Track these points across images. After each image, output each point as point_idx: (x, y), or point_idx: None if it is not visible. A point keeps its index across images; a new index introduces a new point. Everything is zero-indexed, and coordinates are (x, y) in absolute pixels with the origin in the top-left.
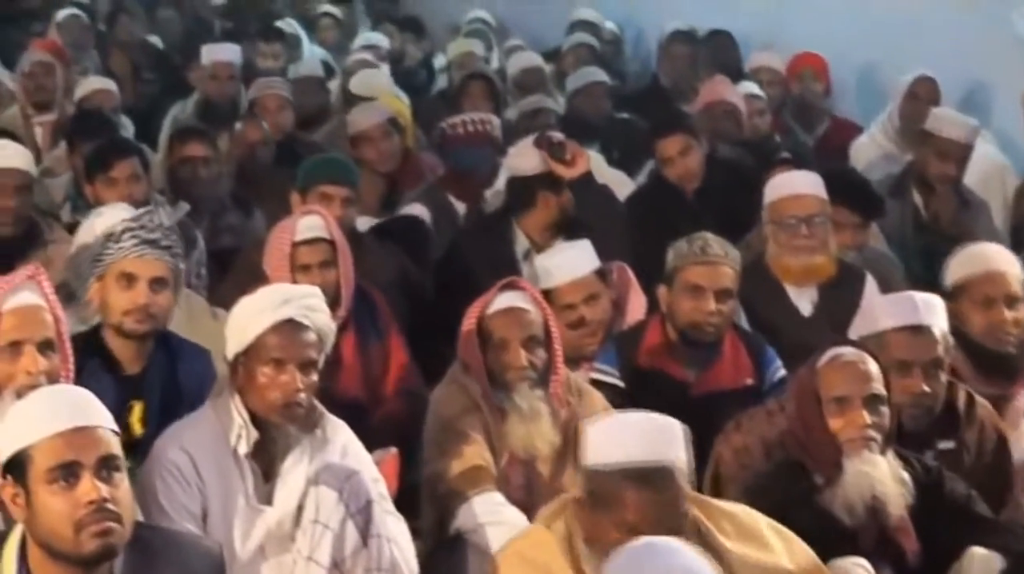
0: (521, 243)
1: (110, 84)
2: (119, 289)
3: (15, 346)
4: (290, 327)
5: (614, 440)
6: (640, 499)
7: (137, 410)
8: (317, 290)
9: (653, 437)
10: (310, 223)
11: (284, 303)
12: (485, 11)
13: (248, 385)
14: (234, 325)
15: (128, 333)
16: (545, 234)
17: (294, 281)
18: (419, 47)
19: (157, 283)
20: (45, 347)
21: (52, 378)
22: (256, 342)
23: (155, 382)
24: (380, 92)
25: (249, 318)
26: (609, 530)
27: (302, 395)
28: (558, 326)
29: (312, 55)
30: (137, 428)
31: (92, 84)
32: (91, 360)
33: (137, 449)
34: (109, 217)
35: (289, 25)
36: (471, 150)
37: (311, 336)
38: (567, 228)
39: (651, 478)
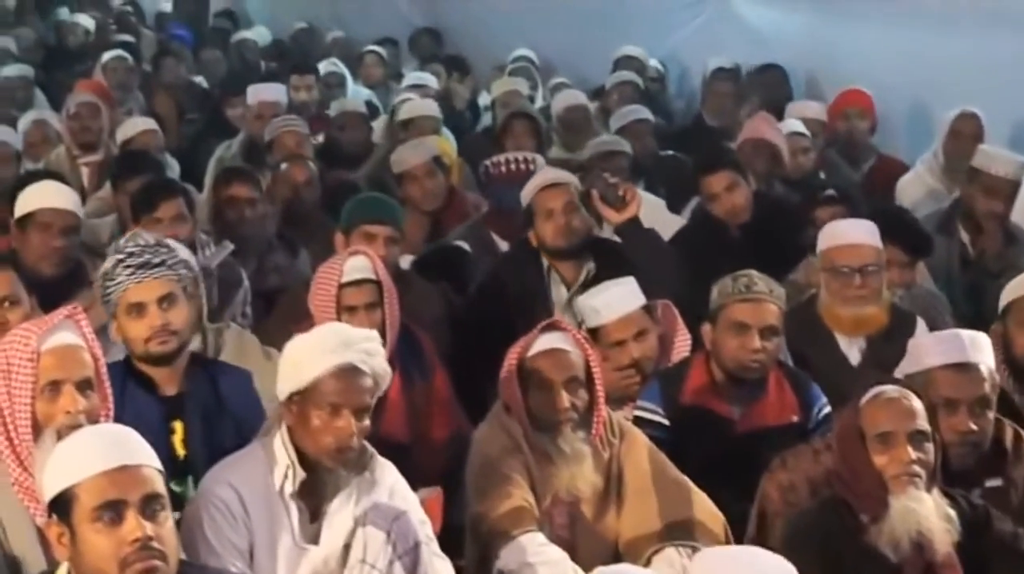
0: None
1: (153, 125)
2: (132, 320)
3: (54, 386)
4: (349, 372)
5: None
6: None
7: (179, 431)
8: (375, 333)
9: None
10: (357, 264)
11: (344, 347)
12: (529, 50)
13: (301, 426)
14: (289, 363)
15: (157, 357)
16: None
17: (339, 322)
18: (464, 86)
19: (165, 301)
20: (84, 386)
21: (91, 417)
22: (313, 384)
23: (195, 402)
24: (431, 114)
25: (307, 359)
26: None
27: (355, 440)
28: (601, 366)
29: (356, 94)
30: (180, 449)
31: (136, 126)
32: (129, 384)
33: (181, 471)
34: None
35: (333, 64)
36: (513, 188)
37: (368, 382)
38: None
39: None
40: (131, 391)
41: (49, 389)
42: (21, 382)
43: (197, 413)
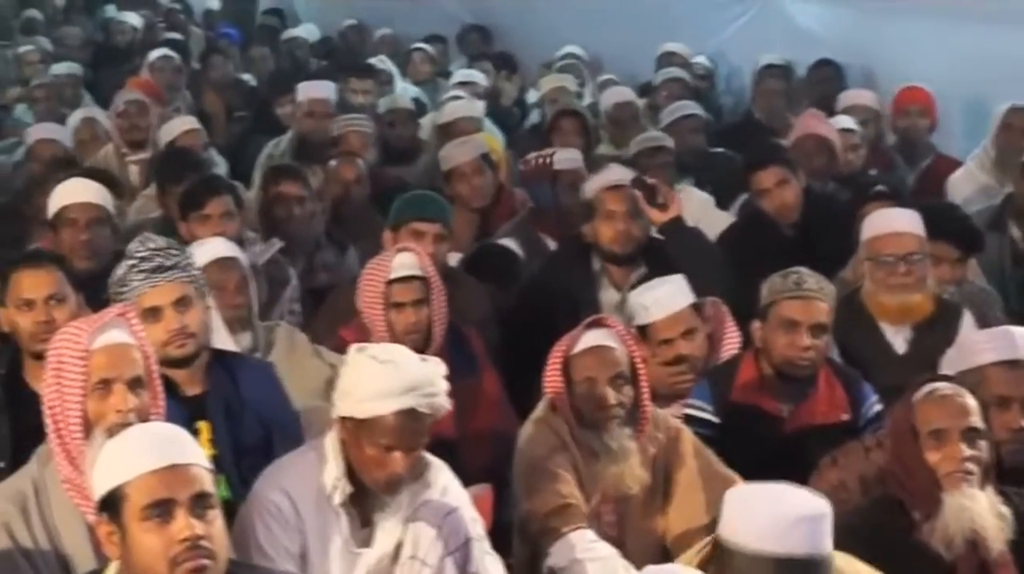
0: (595, 267)
1: (195, 124)
2: (149, 324)
3: (105, 384)
4: (410, 417)
5: (772, 531)
6: None
7: (204, 431)
8: (441, 370)
9: (811, 528)
10: (405, 261)
11: (409, 391)
12: (578, 46)
13: (355, 450)
14: (350, 390)
15: (176, 360)
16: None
17: (387, 318)
18: (512, 83)
19: (180, 303)
20: (135, 385)
21: (142, 416)
22: (372, 421)
23: (218, 401)
24: (471, 114)
25: (370, 395)
26: None
27: (405, 475)
28: (651, 364)
29: (404, 91)
30: (207, 449)
31: (177, 126)
32: None
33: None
34: (204, 252)
35: (381, 62)
36: (539, 185)
37: (427, 423)
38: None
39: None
40: None
41: (100, 387)
42: (72, 380)
43: (220, 411)
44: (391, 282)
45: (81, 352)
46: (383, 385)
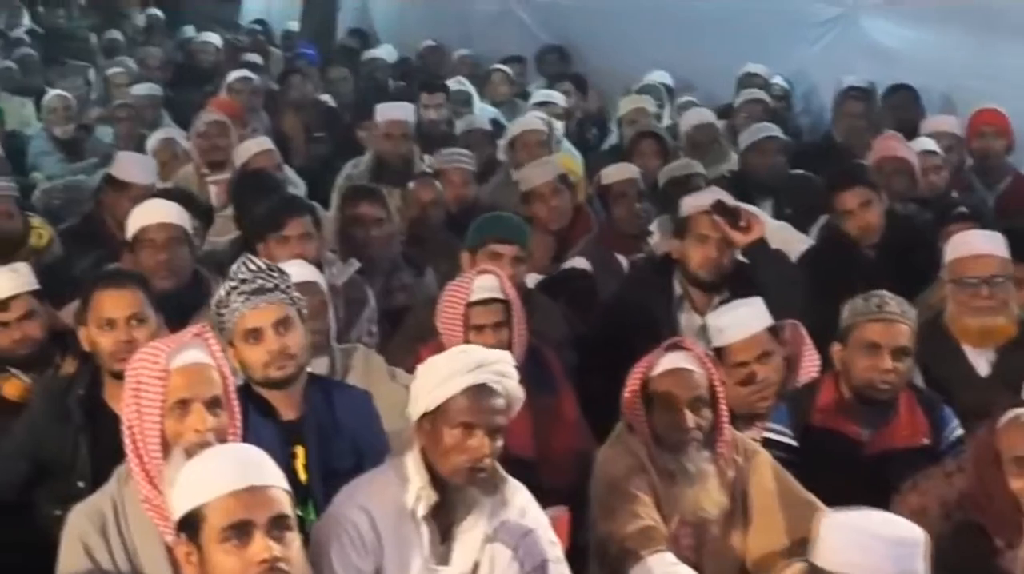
0: (677, 290)
1: (269, 145)
2: (249, 347)
3: (183, 404)
4: (482, 392)
5: (864, 558)
6: None
7: (301, 456)
8: (508, 355)
9: (900, 552)
10: (485, 283)
11: (477, 367)
12: (663, 70)
13: (433, 446)
14: (423, 385)
15: (276, 382)
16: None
17: (467, 341)
18: (585, 105)
19: (281, 325)
20: (213, 405)
21: (220, 436)
22: (446, 404)
23: (314, 425)
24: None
25: (440, 380)
26: None
27: (488, 461)
28: (728, 385)
29: (482, 112)
30: (302, 474)
31: (250, 148)
32: (250, 410)
33: (303, 495)
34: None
35: (460, 83)
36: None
37: (501, 402)
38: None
39: None
40: (252, 417)
41: (178, 407)
42: (150, 400)
43: (315, 436)
44: (471, 304)
45: (160, 372)
46: (451, 367)
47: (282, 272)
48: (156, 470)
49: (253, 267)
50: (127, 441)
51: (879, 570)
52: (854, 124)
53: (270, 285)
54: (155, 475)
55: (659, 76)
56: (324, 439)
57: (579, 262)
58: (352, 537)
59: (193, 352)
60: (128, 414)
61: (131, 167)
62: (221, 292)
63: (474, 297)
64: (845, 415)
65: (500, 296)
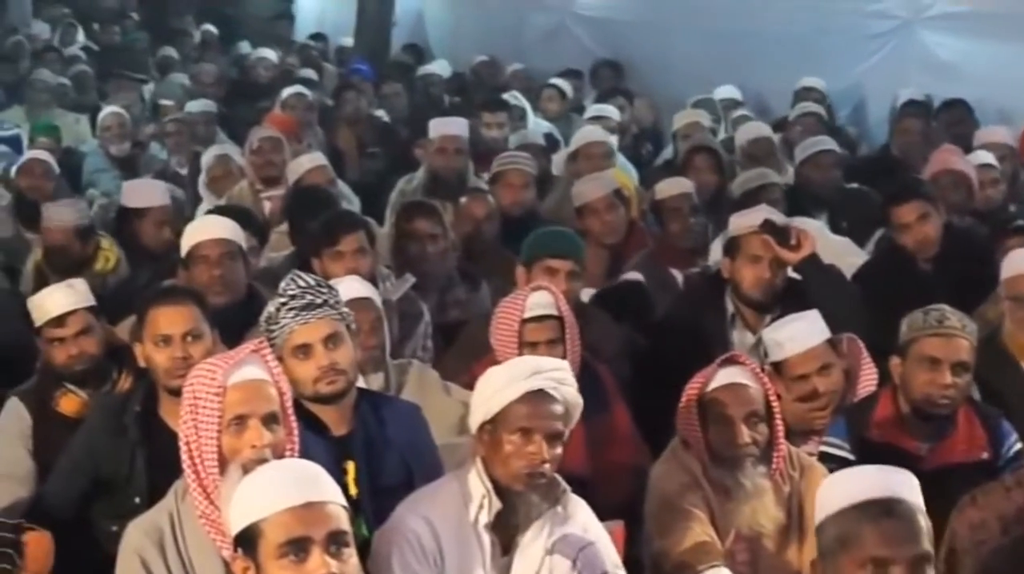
0: (729, 309)
1: (322, 160)
2: (299, 362)
3: (240, 420)
4: (540, 398)
5: (844, 486)
6: (882, 530)
7: (351, 471)
8: (566, 363)
9: (884, 475)
10: (540, 300)
11: (535, 374)
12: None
13: (493, 454)
14: (481, 394)
15: (326, 398)
16: (755, 290)
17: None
18: (639, 119)
19: (331, 340)
20: (270, 421)
21: (277, 452)
22: (504, 411)
23: (364, 441)
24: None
25: (498, 387)
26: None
27: (547, 466)
28: (787, 400)
29: (536, 127)
30: (353, 489)
31: (304, 164)
32: (300, 426)
33: (354, 510)
34: (341, 289)
35: (514, 97)
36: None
37: (559, 408)
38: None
39: (891, 509)
40: (302, 433)
41: (235, 423)
42: (207, 416)
43: (364, 451)
44: (525, 321)
45: (217, 388)
46: (509, 374)
47: (331, 287)
48: (213, 486)
49: (302, 283)
50: (184, 457)
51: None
52: (911, 139)
53: (319, 301)
54: (212, 491)
55: (727, 91)
56: (374, 454)
57: (633, 276)
58: (413, 547)
59: (250, 368)
60: (185, 430)
61: (141, 193)
62: (271, 308)
63: (528, 314)
64: (903, 429)
65: (554, 313)
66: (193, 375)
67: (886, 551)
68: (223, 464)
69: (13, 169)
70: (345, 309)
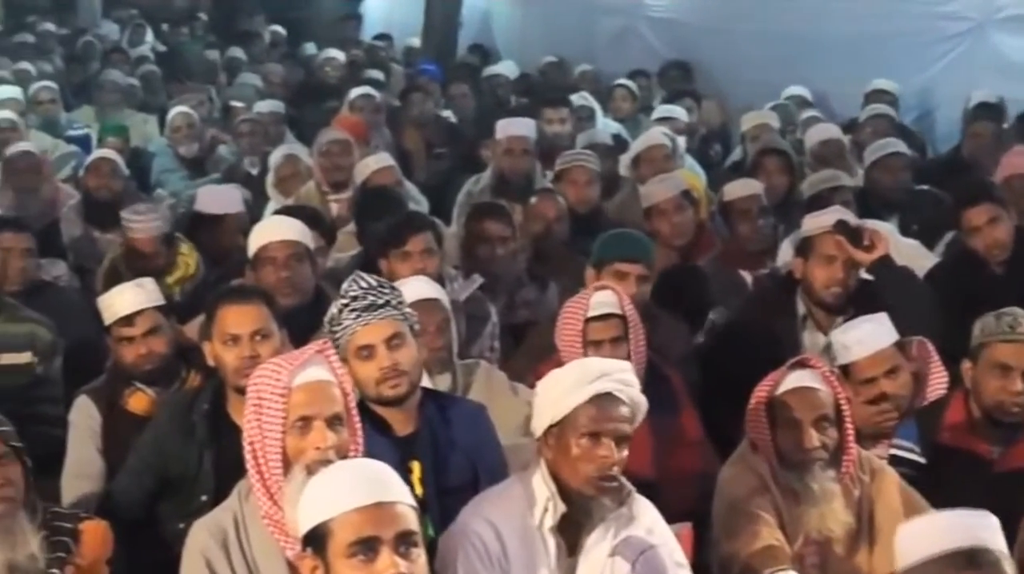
0: (800, 310)
1: (388, 161)
2: (362, 363)
3: (305, 422)
4: (607, 401)
5: (926, 535)
6: None
7: (417, 471)
8: (630, 365)
9: (966, 522)
10: (603, 299)
11: (601, 376)
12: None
13: (560, 458)
14: (546, 398)
15: (390, 399)
16: (828, 291)
17: (585, 356)
18: (708, 121)
19: (393, 341)
20: (334, 422)
21: (341, 453)
22: (571, 414)
23: (429, 441)
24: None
25: (564, 391)
26: None
27: (616, 469)
28: (856, 403)
29: (605, 127)
30: (418, 489)
31: (371, 165)
32: (365, 427)
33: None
34: (406, 292)
35: (583, 98)
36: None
37: (626, 410)
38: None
39: (977, 559)
40: (367, 434)
41: (299, 425)
42: (272, 417)
43: (429, 451)
44: (589, 320)
45: (282, 389)
46: (575, 377)
47: (393, 288)
48: (277, 487)
49: (364, 284)
50: (248, 457)
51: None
52: (983, 143)
53: (381, 301)
54: (276, 492)
55: (797, 90)
56: (439, 454)
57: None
58: (478, 549)
59: (315, 369)
60: (249, 430)
61: (218, 200)
62: (333, 310)
63: (592, 313)
64: (974, 433)
65: (618, 311)
66: (257, 375)
67: None
68: (287, 465)
69: (81, 169)
70: (408, 309)
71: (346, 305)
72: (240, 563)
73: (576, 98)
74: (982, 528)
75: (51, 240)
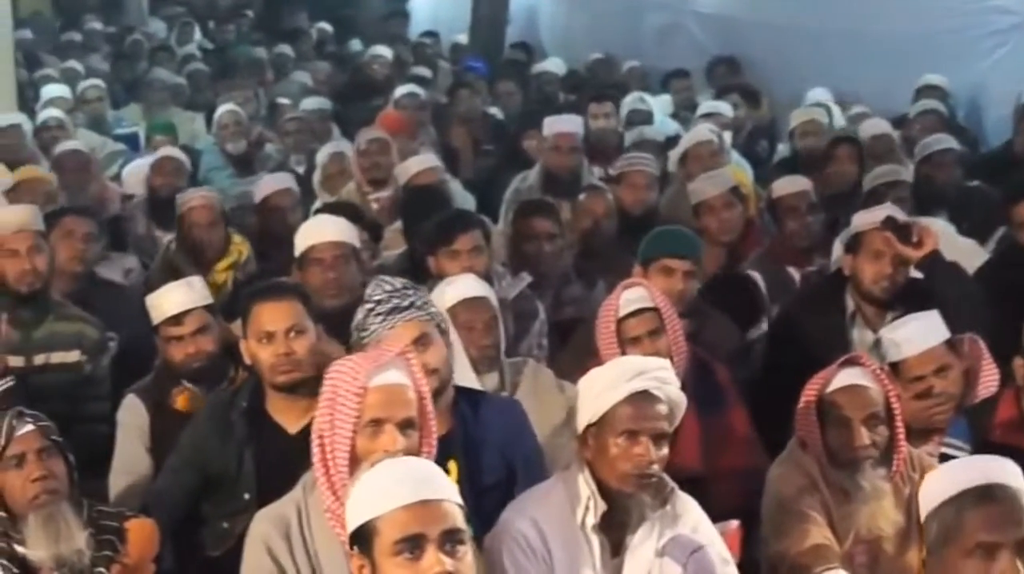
0: (849, 306)
1: (433, 161)
2: None
3: (377, 424)
4: (644, 399)
5: (943, 480)
6: (985, 515)
7: (454, 470)
8: (667, 362)
9: (981, 463)
10: (633, 295)
11: (638, 375)
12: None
13: (599, 456)
14: (585, 397)
15: None
16: (877, 286)
17: (624, 354)
18: (755, 116)
19: (420, 342)
20: (406, 426)
21: (411, 455)
22: (609, 413)
23: (464, 439)
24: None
25: (602, 390)
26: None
27: (655, 467)
28: (905, 400)
29: (662, 125)
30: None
31: (414, 165)
32: None
33: None
34: (453, 290)
35: (641, 100)
36: None
37: (663, 408)
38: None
39: (991, 494)
40: None
41: (371, 426)
42: (345, 415)
43: (465, 450)
44: (622, 319)
45: (358, 389)
46: (613, 375)
47: (417, 288)
48: (341, 484)
49: (388, 287)
50: (316, 450)
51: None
52: None
53: (405, 303)
54: (340, 489)
55: (820, 94)
56: (473, 453)
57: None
58: (523, 546)
59: (392, 372)
60: (320, 424)
61: (269, 183)
62: (359, 315)
63: (624, 311)
64: None
65: (650, 305)
66: (335, 370)
67: (992, 536)
68: (354, 463)
69: (148, 166)
70: (434, 309)
71: (371, 309)
72: (302, 555)
73: (633, 100)
74: (999, 468)
75: (117, 235)
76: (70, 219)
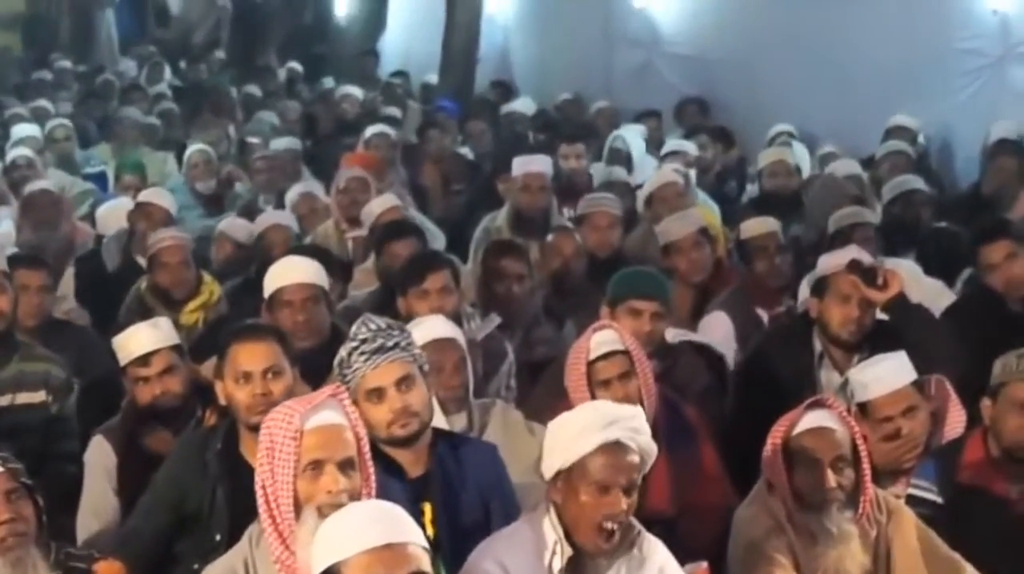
0: (817, 348)
1: (395, 201)
2: (373, 406)
3: (316, 465)
4: (617, 449)
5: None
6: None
7: (428, 512)
8: (640, 411)
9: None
10: (603, 338)
11: (611, 424)
12: (791, 124)
13: (568, 503)
14: (555, 442)
15: (400, 440)
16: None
17: (594, 397)
18: (727, 156)
19: (403, 383)
20: (346, 466)
21: (353, 497)
22: (581, 462)
23: (441, 482)
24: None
25: (574, 436)
26: None
27: (624, 517)
28: (872, 441)
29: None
30: (430, 530)
31: (377, 206)
32: (377, 469)
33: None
34: (422, 331)
35: (621, 141)
36: None
37: (635, 458)
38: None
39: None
40: (379, 476)
41: (311, 468)
42: (284, 460)
43: (442, 492)
44: (593, 362)
45: (294, 433)
46: (584, 423)
47: (402, 329)
48: (289, 530)
49: (373, 326)
50: (260, 501)
51: None
52: (1004, 179)
53: (390, 343)
54: (288, 535)
55: (785, 127)
56: (451, 495)
57: (718, 317)
58: None
59: (327, 413)
60: (261, 474)
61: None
62: (343, 353)
63: (594, 354)
64: (994, 472)
65: (620, 348)
66: (270, 419)
67: None
68: (299, 509)
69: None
70: (417, 350)
71: (355, 348)
72: None
73: (615, 142)
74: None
75: (94, 270)
76: (24, 272)
